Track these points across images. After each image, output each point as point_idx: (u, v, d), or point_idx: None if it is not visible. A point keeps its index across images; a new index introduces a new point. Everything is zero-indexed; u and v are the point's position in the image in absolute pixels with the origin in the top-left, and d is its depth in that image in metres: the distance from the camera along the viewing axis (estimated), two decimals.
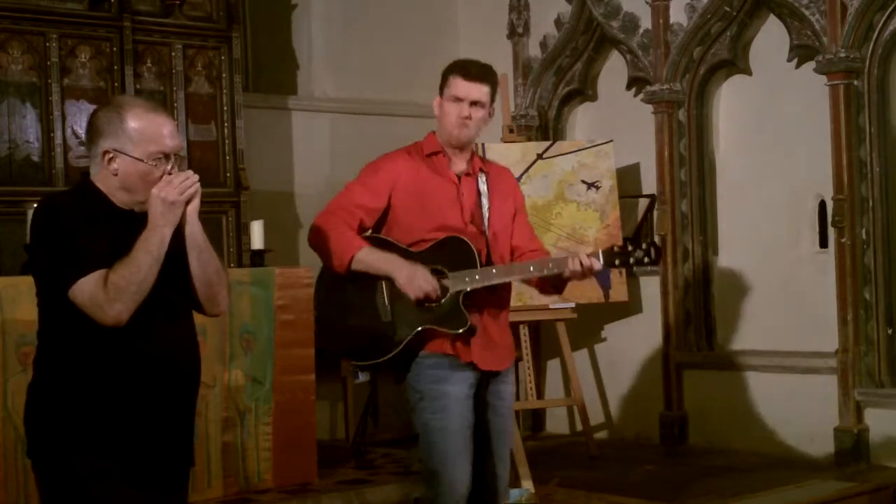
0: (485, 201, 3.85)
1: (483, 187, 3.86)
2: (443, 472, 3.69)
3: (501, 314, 3.88)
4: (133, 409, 2.88)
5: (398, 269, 3.66)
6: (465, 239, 3.74)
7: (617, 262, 3.74)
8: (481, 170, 3.90)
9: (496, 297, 3.83)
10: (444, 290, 3.68)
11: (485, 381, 3.81)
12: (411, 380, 3.77)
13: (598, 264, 3.69)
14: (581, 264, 3.66)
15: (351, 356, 3.93)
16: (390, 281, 3.69)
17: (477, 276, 3.70)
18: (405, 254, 3.74)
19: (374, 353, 3.77)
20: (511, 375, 3.94)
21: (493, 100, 3.88)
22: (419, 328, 3.70)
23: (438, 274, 3.69)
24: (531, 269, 3.74)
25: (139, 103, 3.02)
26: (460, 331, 3.69)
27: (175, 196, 2.86)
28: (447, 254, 3.72)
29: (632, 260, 3.72)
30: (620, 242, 3.81)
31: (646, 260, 3.72)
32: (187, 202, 2.90)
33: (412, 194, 3.79)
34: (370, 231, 3.85)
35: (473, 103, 3.80)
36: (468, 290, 3.69)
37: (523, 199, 4.09)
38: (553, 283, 3.82)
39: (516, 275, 3.79)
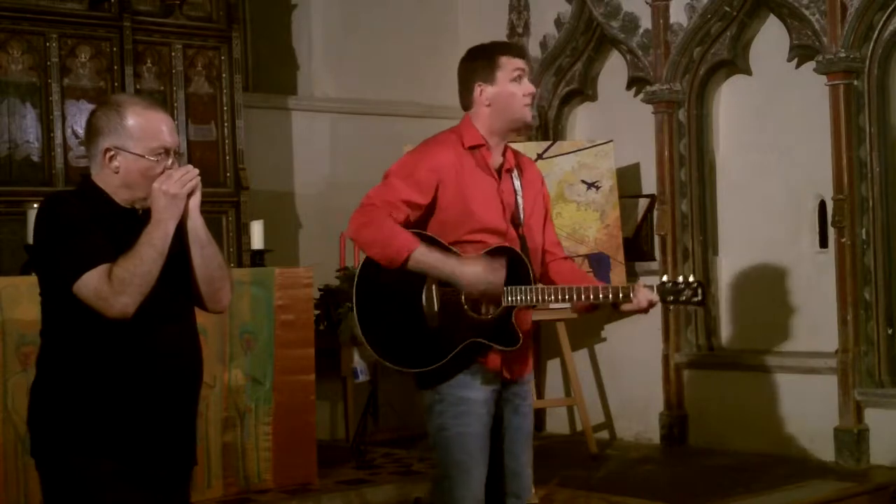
0: (520, 200, 3.68)
1: (517, 183, 3.69)
2: (459, 479, 3.57)
3: (529, 322, 3.75)
4: (136, 409, 2.89)
5: (464, 270, 3.47)
6: (520, 252, 3.58)
7: (670, 298, 3.60)
8: (516, 164, 3.73)
9: (532, 308, 3.69)
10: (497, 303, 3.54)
11: (506, 384, 3.69)
12: (434, 384, 3.61)
13: (655, 297, 3.58)
14: (645, 300, 3.55)
15: (390, 360, 3.62)
16: (442, 285, 3.53)
17: (532, 295, 3.53)
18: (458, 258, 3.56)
19: (418, 360, 3.57)
20: (531, 379, 3.80)
21: None
22: (469, 340, 3.53)
23: None
24: (590, 296, 3.56)
25: (137, 101, 3.04)
26: (512, 348, 3.57)
27: (177, 189, 2.88)
28: None
29: (682, 298, 3.59)
30: (675, 279, 3.64)
31: (694, 300, 3.60)
32: (189, 195, 2.91)
33: (457, 191, 3.57)
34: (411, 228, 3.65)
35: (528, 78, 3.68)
36: (520, 306, 3.56)
37: (549, 197, 3.92)
38: (594, 305, 3.67)
39: (572, 298, 3.57)
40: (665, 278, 3.66)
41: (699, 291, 3.58)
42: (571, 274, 3.77)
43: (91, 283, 2.79)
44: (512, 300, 3.54)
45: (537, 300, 3.56)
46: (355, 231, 3.56)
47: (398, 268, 3.50)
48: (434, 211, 3.60)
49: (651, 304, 3.58)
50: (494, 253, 3.55)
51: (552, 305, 6.79)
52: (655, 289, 3.58)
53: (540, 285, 3.59)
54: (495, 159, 3.68)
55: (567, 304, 3.80)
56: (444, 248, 3.56)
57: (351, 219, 3.57)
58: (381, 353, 3.62)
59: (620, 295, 3.55)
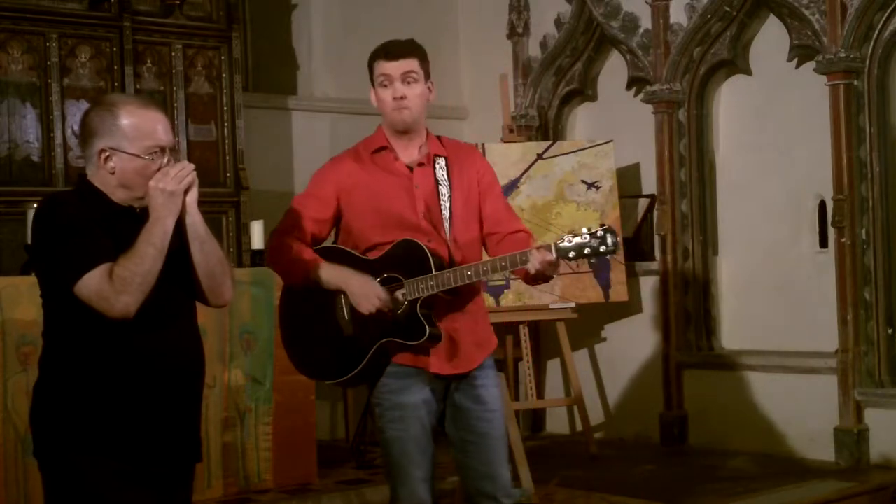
0: (443, 190, 3.66)
1: (441, 174, 3.68)
2: (401, 481, 3.63)
3: (470, 311, 3.68)
4: (139, 407, 2.89)
5: (349, 284, 3.57)
6: (418, 241, 3.56)
7: (572, 254, 3.37)
8: (437, 155, 3.70)
9: (463, 296, 3.63)
10: (401, 299, 3.55)
11: (456, 385, 3.67)
12: (374, 388, 3.68)
13: (551, 256, 3.39)
14: (538, 260, 3.39)
15: (317, 375, 3.82)
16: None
17: (431, 283, 3.50)
18: (359, 264, 3.62)
19: (338, 370, 3.67)
20: (487, 378, 3.71)
21: (427, 75, 3.68)
22: (380, 341, 3.57)
23: (394, 282, 3.57)
24: (485, 269, 3.51)
25: (131, 100, 3.05)
26: (419, 342, 3.55)
27: (173, 186, 2.88)
28: (401, 259, 3.57)
29: (586, 251, 3.35)
30: (578, 231, 3.41)
31: (602, 249, 3.34)
32: (186, 191, 2.91)
33: (361, 196, 3.65)
34: (329, 241, 3.74)
35: (405, 79, 3.62)
36: (423, 297, 3.54)
37: (492, 177, 3.80)
38: (535, 277, 3.50)
39: (470, 276, 3.51)
40: (572, 231, 3.42)
41: (608, 239, 3.35)
42: (507, 249, 3.62)
43: (92, 284, 2.80)
44: (412, 293, 3.54)
45: (436, 288, 3.52)
46: (267, 260, 3.78)
47: (304, 288, 3.64)
48: (344, 221, 3.70)
49: (549, 264, 3.41)
50: (397, 247, 3.58)
51: (552, 306, 6.84)
52: (553, 246, 3.40)
53: (438, 272, 3.53)
54: (408, 156, 3.69)
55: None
56: (350, 259, 3.63)
57: (265, 248, 3.75)
58: (303, 368, 3.77)
59: (519, 261, 3.45)
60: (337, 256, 3.67)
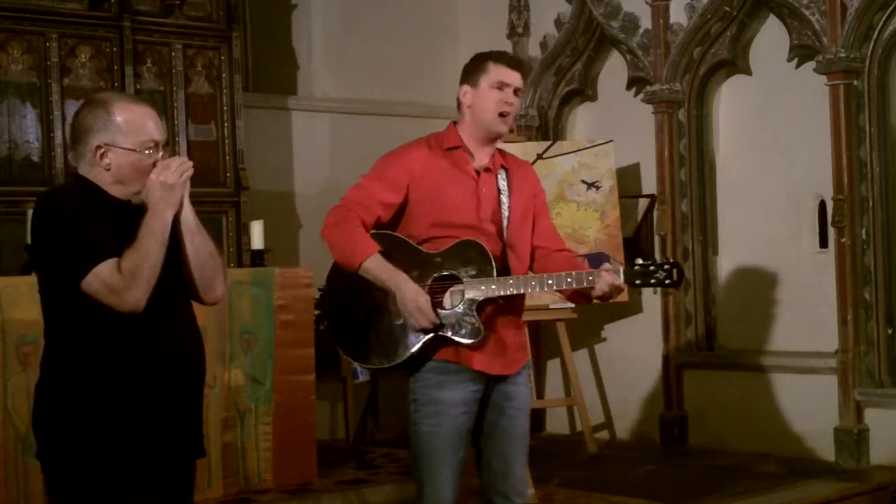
0: (504, 199, 3.72)
1: (503, 184, 3.74)
2: (428, 478, 3.65)
3: (516, 317, 3.76)
4: (141, 406, 2.88)
5: (401, 291, 3.55)
6: (482, 244, 3.61)
7: (638, 281, 3.53)
8: (502, 166, 3.78)
9: (515, 302, 3.72)
10: (450, 302, 3.60)
11: (492, 384, 3.72)
12: (410, 382, 3.69)
13: (619, 280, 3.52)
14: (607, 283, 3.50)
15: (359, 358, 3.75)
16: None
17: (493, 286, 3.56)
18: (418, 256, 3.64)
19: (384, 356, 3.66)
20: (522, 376, 3.79)
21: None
22: (431, 335, 3.59)
23: (453, 279, 3.61)
24: (550, 282, 3.58)
25: (122, 97, 3.08)
26: (474, 341, 3.58)
27: (174, 179, 2.89)
28: (463, 257, 3.61)
29: (652, 280, 3.53)
30: (641, 259, 3.59)
31: (667, 282, 3.50)
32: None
33: (429, 189, 3.67)
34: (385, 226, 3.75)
35: (516, 91, 3.71)
36: (481, 299, 3.58)
37: (545, 196, 3.93)
38: (582, 294, 3.63)
39: (534, 286, 3.62)
40: (638, 260, 3.57)
41: (674, 273, 3.50)
42: (555, 265, 3.72)
43: (102, 278, 2.80)
44: (472, 293, 3.58)
45: (497, 291, 3.57)
46: (325, 229, 3.66)
47: (355, 273, 3.59)
48: (408, 209, 3.69)
49: (616, 290, 3.52)
50: (460, 245, 3.62)
51: (552, 305, 6.84)
52: (622, 272, 3.51)
53: (500, 277, 3.59)
54: (478, 161, 3.75)
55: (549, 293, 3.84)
56: (408, 250, 3.63)
57: (326, 216, 3.68)
58: (345, 348, 3.75)
59: (585, 283, 3.53)
60: (395, 245, 3.65)
